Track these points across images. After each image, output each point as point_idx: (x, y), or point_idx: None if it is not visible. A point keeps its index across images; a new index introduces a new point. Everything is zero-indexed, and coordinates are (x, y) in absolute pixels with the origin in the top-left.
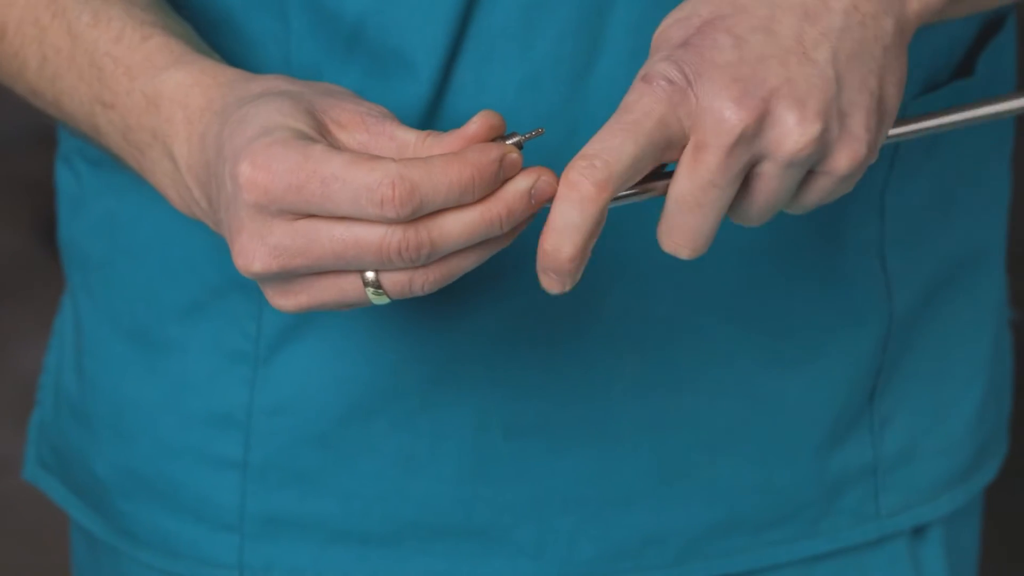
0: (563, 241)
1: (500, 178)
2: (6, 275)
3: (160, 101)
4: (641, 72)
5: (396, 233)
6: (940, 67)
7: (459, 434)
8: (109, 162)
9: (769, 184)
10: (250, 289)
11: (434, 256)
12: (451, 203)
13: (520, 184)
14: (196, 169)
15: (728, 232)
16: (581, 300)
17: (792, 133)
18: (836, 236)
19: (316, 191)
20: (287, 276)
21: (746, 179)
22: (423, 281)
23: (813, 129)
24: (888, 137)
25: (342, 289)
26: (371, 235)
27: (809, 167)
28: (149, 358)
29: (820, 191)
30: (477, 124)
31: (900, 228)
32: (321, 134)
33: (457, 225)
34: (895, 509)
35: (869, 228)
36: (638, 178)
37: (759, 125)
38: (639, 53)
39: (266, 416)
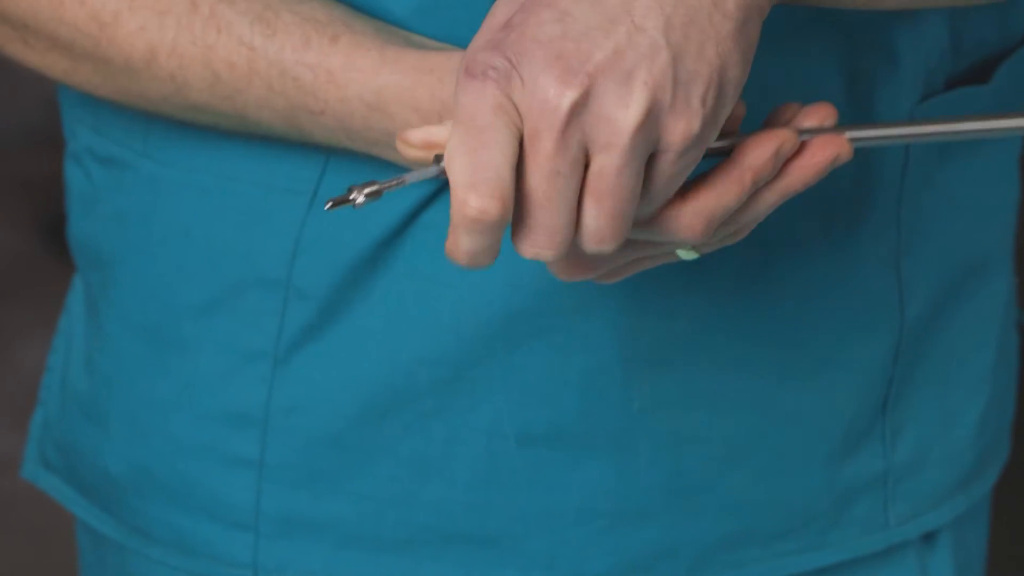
0: (479, 248)
1: (778, 168)
2: (7, 275)
3: (387, 107)
4: (465, 62)
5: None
6: (939, 69)
7: (473, 439)
8: (119, 161)
9: (613, 179)
10: (273, 286)
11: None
12: (744, 201)
13: (816, 160)
14: None
15: (743, 248)
16: (598, 318)
17: (618, 112)
18: (853, 249)
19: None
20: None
21: (589, 179)
22: (737, 238)
23: (641, 103)
24: (861, 140)
25: (663, 257)
26: None
27: (649, 146)
28: (163, 356)
29: (664, 174)
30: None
31: (914, 238)
32: None
33: (761, 206)
34: (903, 518)
35: (886, 240)
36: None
37: (585, 102)
38: None
39: (283, 415)
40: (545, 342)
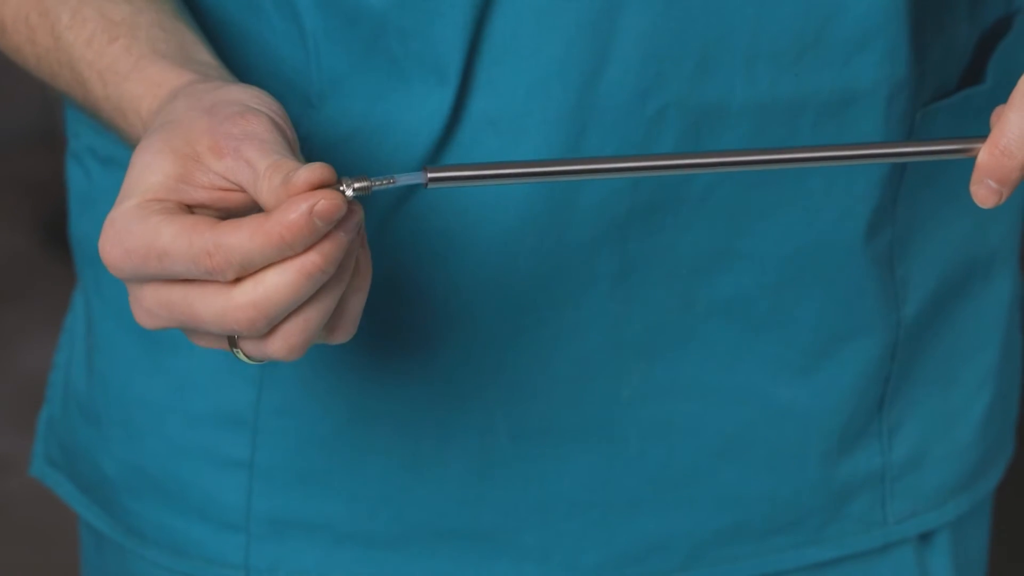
0: (1015, 149)
1: (316, 228)
2: (7, 275)
3: (126, 114)
4: None
5: (232, 308)
6: (949, 75)
7: (464, 436)
8: (119, 161)
9: None
10: None
11: (272, 324)
12: (275, 259)
13: (340, 238)
14: None
15: (737, 239)
16: (588, 305)
17: None
18: (847, 245)
19: (155, 265)
20: (178, 327)
21: None
22: (275, 350)
23: None
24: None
25: (220, 341)
26: (208, 311)
27: None
28: (156, 356)
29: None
30: (303, 179)
31: (911, 237)
32: (191, 171)
33: (279, 288)
34: (902, 516)
35: (881, 237)
36: None
37: None
38: (648, 60)
39: (273, 416)
40: (535, 336)
